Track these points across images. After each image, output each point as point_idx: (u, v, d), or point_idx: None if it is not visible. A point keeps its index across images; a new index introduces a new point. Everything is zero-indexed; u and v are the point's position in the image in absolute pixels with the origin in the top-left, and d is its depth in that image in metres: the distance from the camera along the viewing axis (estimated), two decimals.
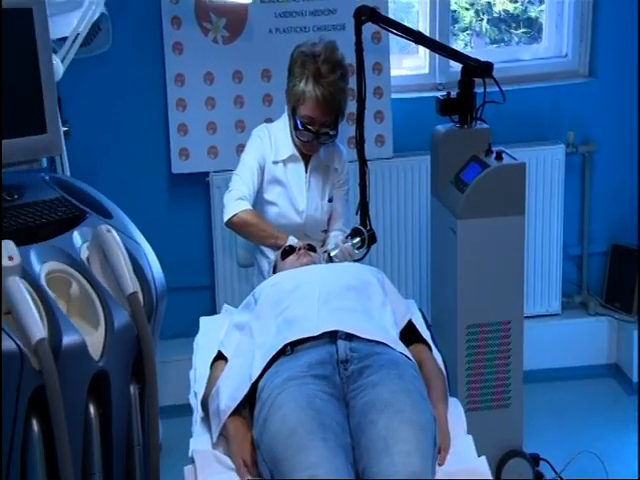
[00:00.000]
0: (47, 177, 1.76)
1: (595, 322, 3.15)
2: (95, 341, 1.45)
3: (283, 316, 1.79)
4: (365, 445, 1.49)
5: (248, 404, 1.69)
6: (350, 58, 2.29)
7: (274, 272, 2.14)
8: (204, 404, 1.79)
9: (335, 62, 2.22)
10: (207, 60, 2.80)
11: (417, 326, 1.95)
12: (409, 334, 1.91)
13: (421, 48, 3.01)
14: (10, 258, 1.39)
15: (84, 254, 1.57)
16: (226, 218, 2.25)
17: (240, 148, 2.58)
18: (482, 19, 3.21)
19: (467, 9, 3.19)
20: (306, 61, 2.22)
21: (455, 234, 2.33)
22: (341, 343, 1.68)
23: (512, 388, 2.41)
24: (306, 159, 2.36)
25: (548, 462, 2.55)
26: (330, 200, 2.41)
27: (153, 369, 1.51)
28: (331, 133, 2.26)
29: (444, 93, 2.42)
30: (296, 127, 2.26)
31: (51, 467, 1.41)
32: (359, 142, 2.26)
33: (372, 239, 2.27)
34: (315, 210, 2.37)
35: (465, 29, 3.22)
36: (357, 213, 2.32)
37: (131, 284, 1.50)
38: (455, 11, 3.16)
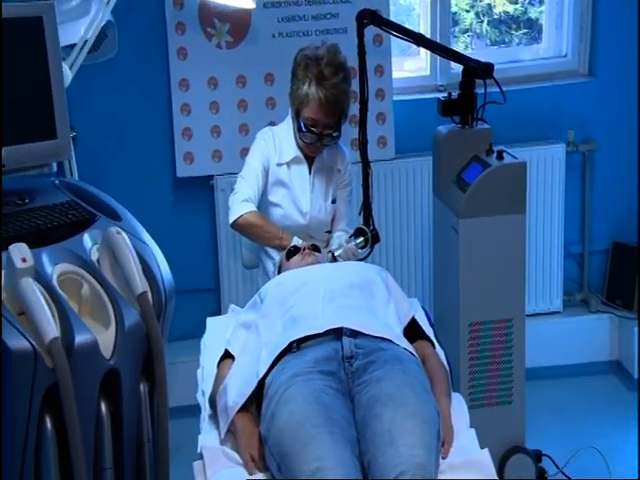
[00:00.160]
0: (57, 181, 1.80)
1: (596, 319, 3.16)
2: (106, 340, 1.48)
3: (289, 314, 1.82)
4: (370, 438, 1.52)
5: (255, 401, 1.72)
6: (352, 61, 2.31)
7: (279, 272, 2.17)
8: (212, 402, 1.82)
9: (337, 65, 2.25)
10: (211, 65, 2.83)
11: (420, 323, 1.98)
12: (412, 331, 1.94)
13: (422, 50, 3.03)
14: (23, 260, 1.42)
15: (94, 256, 1.60)
16: (231, 220, 2.28)
17: (244, 151, 2.61)
18: (482, 21, 3.24)
19: (467, 11, 3.21)
20: (309, 64, 2.24)
21: (457, 233, 2.35)
22: (346, 340, 1.71)
23: (514, 385, 2.42)
24: (310, 161, 2.39)
25: (550, 458, 2.57)
26: (334, 201, 2.43)
27: (163, 367, 1.54)
28: (334, 135, 2.29)
29: (445, 94, 2.43)
30: (300, 129, 2.29)
31: (64, 462, 1.44)
32: (362, 144, 2.28)
33: (375, 239, 2.29)
34: (319, 211, 2.39)
35: (466, 31, 3.24)
36: (360, 213, 2.34)
37: (140, 284, 1.53)
38: (456, 13, 3.18)
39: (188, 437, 1.91)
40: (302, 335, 1.72)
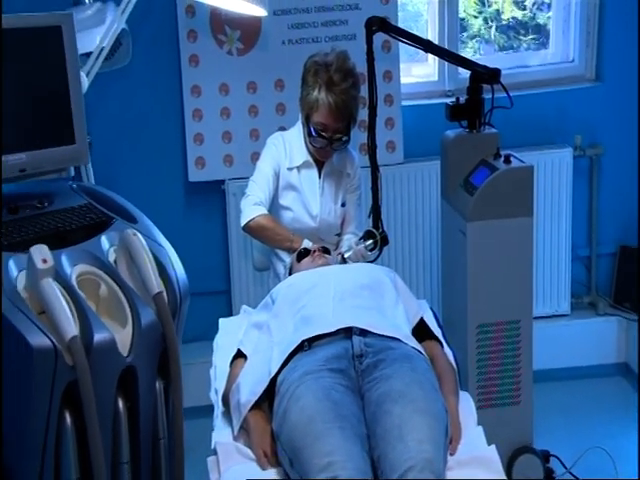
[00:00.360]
0: (74, 185, 1.84)
1: (604, 322, 3.17)
2: (123, 338, 1.52)
3: (300, 314, 1.85)
4: (380, 434, 1.55)
5: (267, 398, 1.75)
6: (361, 67, 2.34)
7: (290, 274, 2.20)
8: (225, 400, 1.86)
9: (347, 71, 2.28)
10: (222, 71, 2.86)
11: (428, 324, 2.01)
12: (421, 331, 1.97)
13: (430, 56, 3.05)
14: (44, 261, 1.46)
15: (111, 257, 1.64)
16: (243, 222, 2.32)
17: (255, 156, 2.64)
18: (491, 26, 3.27)
19: (475, 17, 3.24)
20: (319, 70, 2.27)
21: (465, 236, 2.37)
22: (356, 339, 1.74)
23: (522, 386, 2.44)
24: (319, 165, 2.42)
25: (558, 458, 2.58)
26: (343, 204, 2.46)
27: (178, 365, 1.58)
28: (344, 139, 2.32)
29: (453, 99, 2.46)
30: (310, 134, 2.32)
31: (83, 456, 1.48)
32: (371, 148, 2.31)
33: (384, 241, 2.32)
34: (328, 214, 2.42)
35: (474, 37, 3.27)
36: (369, 216, 2.37)
37: (156, 284, 1.56)
38: (464, 19, 3.21)
39: (202, 436, 1.94)
40: (313, 334, 1.76)
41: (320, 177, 2.43)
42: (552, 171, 3.09)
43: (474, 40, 3.27)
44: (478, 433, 1.72)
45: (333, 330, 1.76)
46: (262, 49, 2.87)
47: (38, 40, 1.68)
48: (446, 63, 2.99)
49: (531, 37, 3.27)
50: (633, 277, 3.18)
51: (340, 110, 2.26)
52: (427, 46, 2.39)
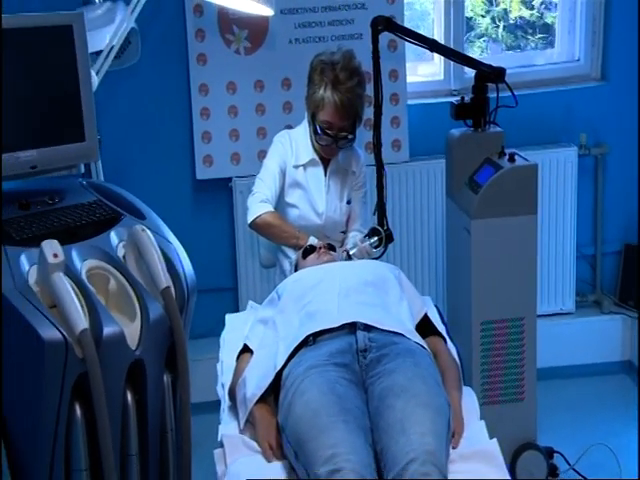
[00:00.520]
0: (84, 182, 1.86)
1: (609, 320, 3.18)
2: (132, 332, 1.54)
3: (305, 310, 1.88)
4: (383, 427, 1.57)
5: (273, 392, 1.78)
6: (367, 66, 2.36)
7: (295, 271, 2.22)
8: (231, 394, 1.89)
9: (352, 69, 2.29)
10: (230, 70, 2.88)
11: (432, 320, 2.03)
12: (425, 327, 1.99)
13: (436, 55, 3.06)
14: (55, 256, 1.49)
15: (120, 252, 1.66)
16: (250, 219, 2.34)
17: (262, 154, 2.66)
18: (498, 26, 3.27)
19: (483, 16, 3.24)
20: (325, 69, 2.29)
21: (469, 234, 2.39)
22: (360, 334, 1.76)
23: (526, 382, 2.46)
24: (325, 163, 2.44)
25: (562, 455, 2.59)
26: (348, 202, 2.47)
27: (185, 359, 1.60)
28: (349, 137, 2.33)
29: (458, 98, 2.48)
30: (316, 132, 2.33)
31: (92, 447, 1.51)
32: (376, 146, 2.33)
33: (389, 238, 2.34)
34: (334, 212, 2.44)
35: (481, 36, 3.28)
36: (374, 214, 2.39)
37: (164, 279, 1.58)
38: (471, 18, 3.22)
39: (209, 431, 1.95)
40: (318, 329, 1.78)
41: (326, 175, 2.44)
42: (557, 170, 3.10)
43: (481, 39, 3.27)
44: (480, 427, 1.75)
45: (338, 325, 1.79)
46: (269, 48, 2.89)
47: (49, 39, 1.70)
48: (452, 62, 2.99)
49: (539, 36, 3.27)
50: (638, 276, 3.19)
51: (346, 108, 2.27)
52: (432, 45, 2.40)
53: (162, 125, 2.95)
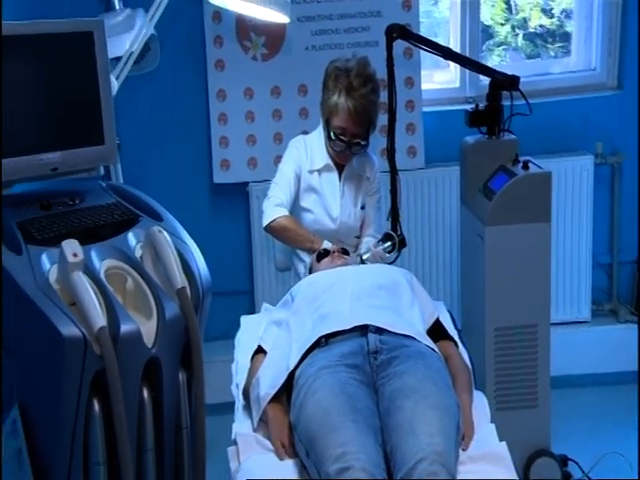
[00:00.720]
0: (104, 184, 1.90)
1: (625, 329, 3.16)
2: (148, 330, 1.57)
3: (318, 312, 1.90)
4: (393, 427, 1.59)
5: (286, 392, 1.81)
6: (382, 73, 2.37)
7: (310, 274, 2.25)
8: (245, 393, 1.92)
9: (366, 76, 2.31)
10: (247, 76, 2.92)
11: (444, 324, 2.05)
12: (437, 331, 2.01)
13: (452, 63, 3.08)
14: (75, 255, 1.53)
15: (138, 253, 1.69)
16: (265, 223, 2.37)
17: (278, 159, 2.67)
18: (517, 34, 3.28)
19: (502, 24, 3.26)
20: (339, 75, 2.31)
21: (483, 240, 2.40)
22: (371, 336, 1.79)
23: (540, 389, 2.45)
24: (340, 168, 2.46)
25: (576, 462, 2.58)
26: (362, 207, 2.49)
27: (200, 357, 1.63)
28: (362, 143, 2.35)
29: (473, 106, 2.49)
30: (329, 138, 2.36)
31: (110, 442, 1.54)
32: (390, 152, 2.35)
33: (402, 243, 2.36)
34: (348, 217, 2.46)
35: (501, 44, 3.29)
36: (388, 219, 2.41)
37: (180, 279, 1.61)
38: (490, 26, 3.23)
39: (223, 432, 1.97)
40: (330, 331, 1.81)
41: (340, 180, 2.47)
42: (573, 178, 3.10)
43: (501, 47, 3.28)
44: (490, 430, 1.76)
45: (349, 327, 1.81)
46: (286, 55, 2.92)
47: (71, 45, 1.75)
48: (468, 70, 3.01)
49: (558, 45, 3.27)
50: (637, 284, 3.17)
51: (359, 115, 2.29)
52: (446, 53, 2.42)
53: (180, 130, 2.99)
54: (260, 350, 1.99)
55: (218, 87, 2.93)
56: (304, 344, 1.82)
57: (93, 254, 1.64)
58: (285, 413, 1.78)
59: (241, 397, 1.94)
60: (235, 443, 1.77)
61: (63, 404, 1.51)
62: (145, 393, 1.60)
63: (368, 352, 1.76)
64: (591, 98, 3.14)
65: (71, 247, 1.54)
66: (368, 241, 2.46)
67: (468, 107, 2.53)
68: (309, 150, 2.45)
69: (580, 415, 2.93)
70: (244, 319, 2.33)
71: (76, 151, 1.79)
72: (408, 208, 3.02)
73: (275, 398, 1.81)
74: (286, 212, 2.38)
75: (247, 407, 1.89)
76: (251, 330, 2.18)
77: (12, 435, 1.67)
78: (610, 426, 2.88)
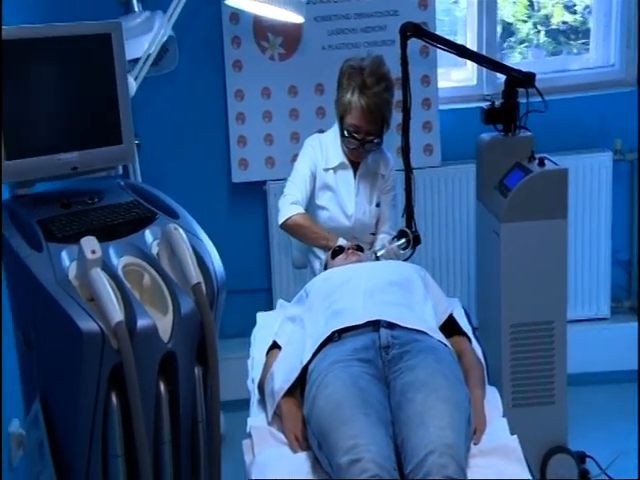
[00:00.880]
0: (122, 183, 1.94)
1: None
2: (164, 325, 1.60)
3: (331, 309, 1.93)
4: (404, 420, 1.61)
5: (299, 386, 1.84)
6: (399, 71, 2.36)
7: (325, 270, 2.28)
8: (260, 388, 1.95)
9: (380, 75, 2.33)
10: (264, 76, 2.95)
11: (458, 320, 2.06)
12: (450, 327, 2.02)
13: (469, 61, 3.11)
14: (93, 252, 1.56)
15: (155, 250, 1.72)
16: (281, 221, 2.40)
17: (295, 158, 2.68)
18: (539, 31, 3.26)
19: (525, 21, 3.25)
20: (353, 74, 2.33)
21: (498, 237, 2.40)
22: (383, 331, 1.81)
23: (556, 386, 2.46)
24: (355, 166, 2.48)
25: (594, 459, 2.58)
26: (377, 205, 2.51)
27: (215, 352, 1.65)
28: (376, 141, 2.37)
29: (489, 103, 2.49)
30: (343, 135, 2.38)
31: (128, 434, 1.57)
32: (404, 150, 2.36)
33: (417, 240, 2.37)
34: (363, 214, 2.48)
35: (523, 41, 3.28)
36: (403, 216, 2.42)
37: (195, 275, 1.64)
38: (512, 24, 3.23)
39: (239, 428, 1.98)
40: (343, 326, 1.83)
41: (355, 178, 2.49)
42: (592, 175, 3.09)
43: (522, 45, 3.27)
44: (502, 424, 1.77)
45: (362, 322, 1.83)
46: (303, 54, 2.95)
47: (90, 47, 1.79)
48: (484, 68, 3.02)
49: (582, 42, 3.25)
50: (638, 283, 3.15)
51: (372, 113, 2.31)
52: (460, 51, 2.43)
53: (199, 129, 3.03)
54: (275, 345, 2.02)
55: (236, 87, 2.96)
56: (317, 339, 1.85)
57: (111, 251, 1.67)
58: (299, 407, 1.81)
59: (256, 392, 1.97)
60: (250, 436, 1.80)
61: (82, 397, 1.55)
62: (162, 387, 1.63)
63: (380, 347, 1.78)
64: (610, 94, 3.13)
65: (89, 244, 1.58)
66: (383, 238, 2.48)
67: (484, 105, 2.53)
68: (324, 148, 2.47)
69: (598, 412, 2.92)
70: (260, 315, 2.36)
71: (95, 150, 1.83)
72: (425, 206, 3.04)
73: (289, 392, 1.83)
74: (301, 210, 2.40)
75: (262, 401, 1.92)
76: (267, 326, 2.21)
77: (34, 427, 1.72)
78: (629, 424, 2.86)
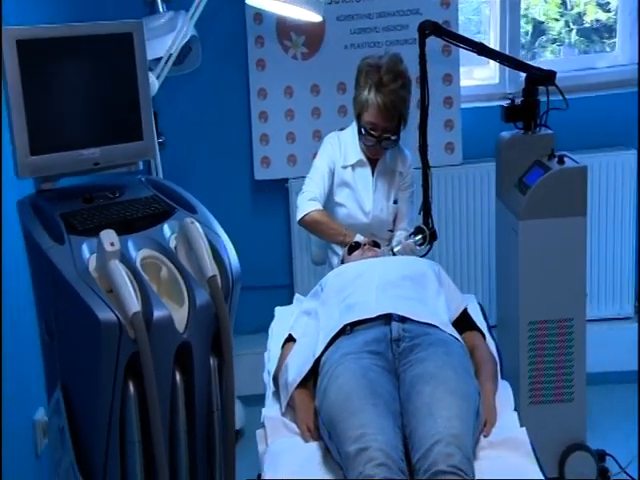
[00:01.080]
0: (143, 178, 1.99)
1: None
2: (180, 316, 1.64)
3: (345, 302, 1.96)
4: (412, 411, 1.64)
5: (312, 378, 1.87)
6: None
7: None
8: (275, 380, 1.99)
9: (397, 72, 2.35)
10: (287, 75, 2.99)
11: (472, 315, 2.08)
12: (464, 322, 2.04)
13: (491, 60, 3.11)
14: (112, 244, 1.61)
15: (172, 243, 1.76)
16: (299, 217, 2.42)
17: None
18: (572, 29, 3.24)
19: (557, 20, 3.23)
20: (370, 71, 2.35)
21: (517, 234, 2.41)
22: (395, 324, 1.83)
23: (575, 383, 2.45)
24: (373, 164, 2.50)
25: (613, 457, 2.57)
26: (395, 202, 2.52)
27: (230, 344, 1.69)
28: (392, 138, 2.38)
29: (509, 101, 2.50)
30: (360, 132, 2.40)
31: (144, 422, 1.62)
32: (422, 147, 2.37)
33: (433, 237, 2.38)
34: (381, 211, 2.50)
35: (555, 40, 3.26)
36: (420, 213, 2.43)
37: (211, 269, 1.68)
38: (543, 22, 3.21)
39: (254, 423, 2.02)
40: (355, 319, 1.86)
41: (373, 175, 2.51)
42: (615, 173, 3.07)
43: (554, 44, 3.25)
44: (512, 417, 1.78)
45: (374, 316, 1.86)
46: (325, 53, 2.98)
47: (112, 46, 1.84)
48: (507, 67, 3.01)
49: (614, 40, 3.22)
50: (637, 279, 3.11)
51: (389, 110, 2.33)
52: (479, 49, 2.43)
53: (222, 127, 3.07)
54: (290, 338, 2.06)
55: (259, 86, 3.00)
56: (330, 332, 1.88)
57: (130, 244, 1.72)
58: (311, 398, 1.84)
59: (272, 383, 2.01)
60: (263, 426, 1.84)
61: (100, 385, 1.60)
62: (177, 376, 1.67)
63: (391, 340, 1.80)
64: (634, 92, 3.09)
65: (108, 237, 1.63)
66: (400, 234, 2.49)
67: (504, 103, 2.53)
68: (343, 146, 2.49)
69: (621, 412, 2.89)
70: (278, 310, 2.40)
71: (116, 147, 1.88)
72: (446, 204, 3.04)
73: (302, 384, 1.87)
74: (319, 206, 2.43)
75: (277, 393, 1.96)
76: (284, 320, 2.25)
77: (56, 414, 1.77)
78: None
